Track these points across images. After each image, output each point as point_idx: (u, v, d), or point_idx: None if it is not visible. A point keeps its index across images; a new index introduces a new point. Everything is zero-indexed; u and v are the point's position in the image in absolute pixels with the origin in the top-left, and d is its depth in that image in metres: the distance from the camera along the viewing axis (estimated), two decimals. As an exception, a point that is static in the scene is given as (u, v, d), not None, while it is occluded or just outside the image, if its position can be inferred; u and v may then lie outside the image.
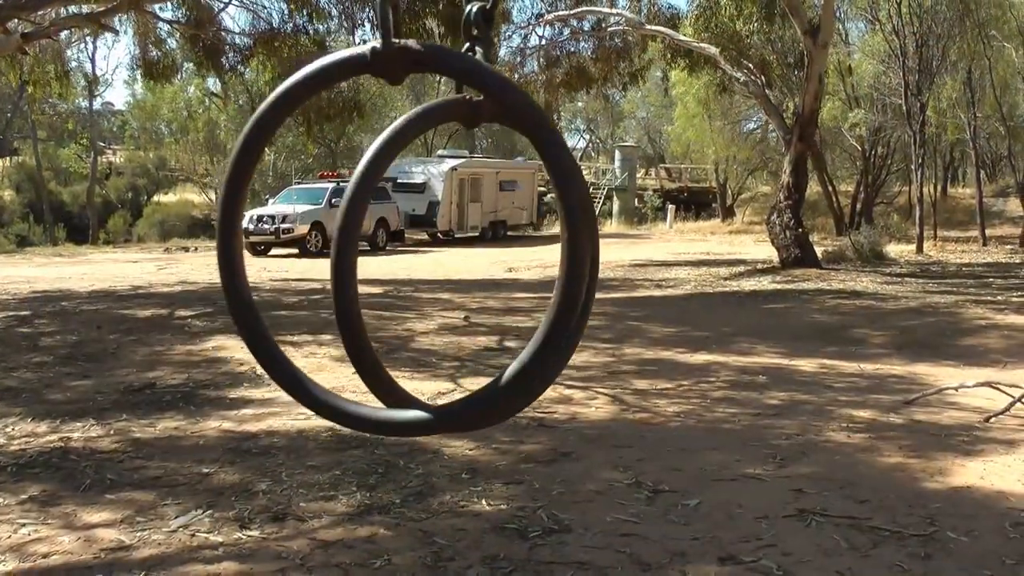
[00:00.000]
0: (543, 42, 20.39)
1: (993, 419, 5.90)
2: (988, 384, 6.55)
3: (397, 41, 1.23)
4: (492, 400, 1.28)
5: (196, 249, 25.16)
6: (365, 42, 1.30)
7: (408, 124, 1.33)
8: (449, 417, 1.36)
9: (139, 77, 19.95)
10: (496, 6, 1.34)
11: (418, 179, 27.40)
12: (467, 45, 1.33)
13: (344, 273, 1.30)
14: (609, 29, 20.11)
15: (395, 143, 1.33)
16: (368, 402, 1.41)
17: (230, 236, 1.34)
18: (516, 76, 20.45)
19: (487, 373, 7.55)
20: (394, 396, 1.38)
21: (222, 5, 16.92)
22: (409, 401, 1.37)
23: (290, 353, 8.35)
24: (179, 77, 24.52)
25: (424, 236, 28.27)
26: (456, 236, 27.69)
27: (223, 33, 16.73)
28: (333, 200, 22.90)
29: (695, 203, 39.87)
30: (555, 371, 1.33)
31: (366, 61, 1.25)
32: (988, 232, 25.33)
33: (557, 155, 1.23)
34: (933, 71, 22.65)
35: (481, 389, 1.30)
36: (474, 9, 1.32)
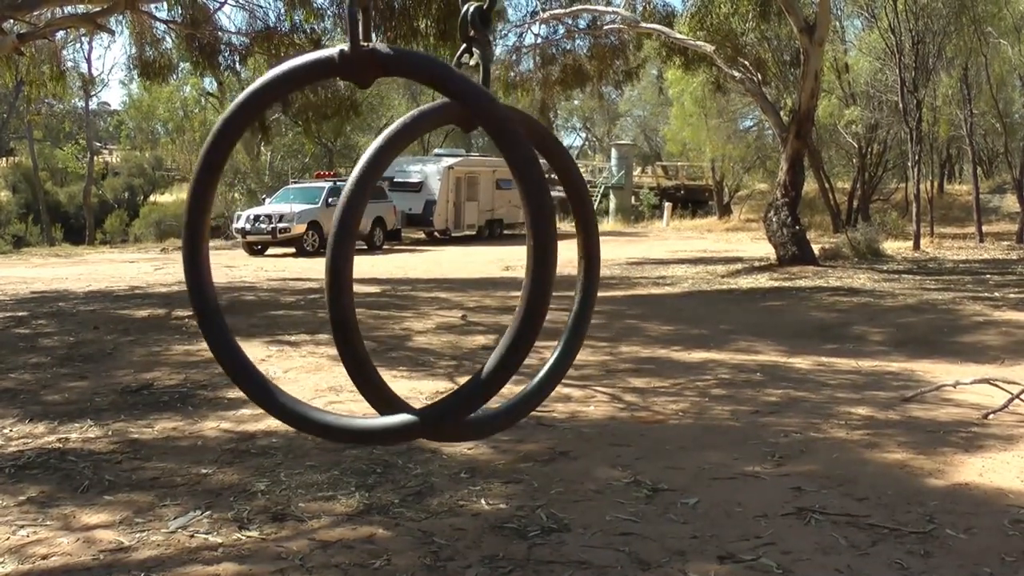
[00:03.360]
0: (539, 40, 20.39)
1: (991, 416, 5.91)
2: (986, 381, 6.56)
3: (365, 44, 1.23)
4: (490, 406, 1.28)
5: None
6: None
7: (404, 127, 1.32)
8: (426, 422, 1.35)
9: (135, 77, 19.95)
10: (493, 6, 1.33)
11: (415, 178, 27.39)
12: (463, 46, 1.32)
13: (341, 281, 1.29)
14: (604, 27, 20.11)
15: (392, 146, 1.32)
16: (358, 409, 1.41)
17: (198, 239, 1.33)
18: (512, 74, 20.46)
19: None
20: (389, 403, 1.37)
21: (218, 4, 16.87)
22: (400, 406, 1.37)
23: (288, 353, 8.38)
24: (175, 77, 24.46)
25: (421, 235, 28.27)
26: (453, 235, 27.68)
27: (219, 32, 16.71)
28: (330, 199, 22.89)
29: (692, 201, 39.87)
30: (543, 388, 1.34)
31: (334, 64, 1.24)
32: (985, 228, 25.35)
33: (520, 166, 1.22)
34: (929, 68, 22.67)
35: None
36: (471, 9, 1.32)
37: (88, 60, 59.65)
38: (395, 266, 18.76)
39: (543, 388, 1.39)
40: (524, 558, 3.71)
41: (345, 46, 1.23)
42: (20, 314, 10.72)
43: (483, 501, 4.38)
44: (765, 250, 18.58)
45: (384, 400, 1.37)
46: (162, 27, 16.75)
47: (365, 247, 24.20)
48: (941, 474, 4.76)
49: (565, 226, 34.45)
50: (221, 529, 4.04)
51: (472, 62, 1.31)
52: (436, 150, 32.55)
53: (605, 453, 5.20)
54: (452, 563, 3.67)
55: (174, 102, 39.22)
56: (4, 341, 9.08)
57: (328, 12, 15.82)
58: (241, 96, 1.29)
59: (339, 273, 1.28)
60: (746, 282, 14.72)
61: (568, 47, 20.42)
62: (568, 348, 1.41)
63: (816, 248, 17.58)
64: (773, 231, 16.80)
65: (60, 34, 19.63)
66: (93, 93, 43.29)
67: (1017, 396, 6.05)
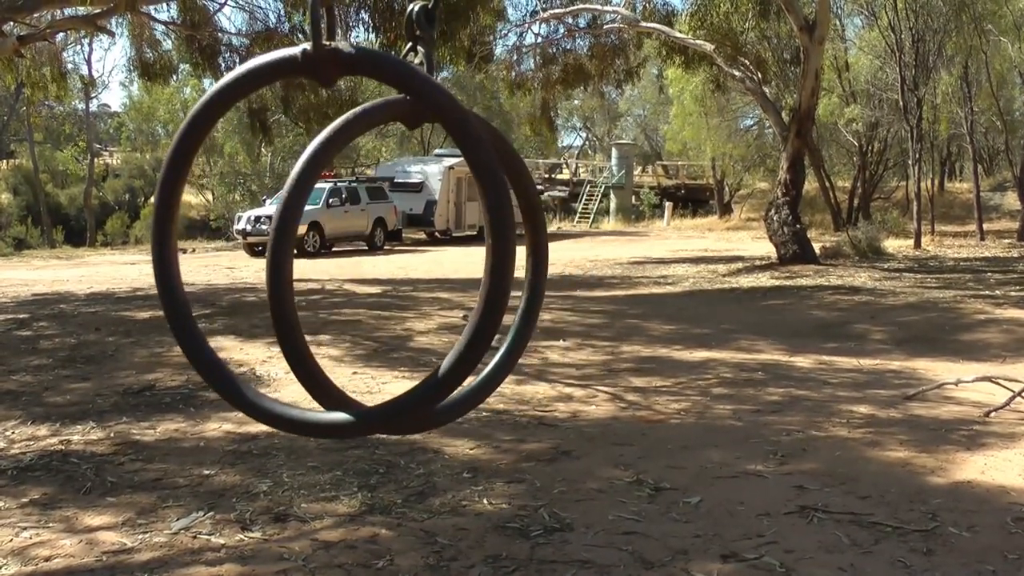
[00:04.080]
0: (539, 40, 20.39)
1: (993, 414, 5.91)
2: (987, 379, 6.55)
3: (328, 44, 1.23)
4: (425, 399, 1.30)
5: (194, 250, 25.15)
6: (360, 43, 1.30)
7: (347, 124, 1.33)
8: (376, 418, 1.37)
9: (135, 79, 19.93)
10: (438, 6, 1.34)
11: (415, 178, 27.39)
12: (409, 45, 1.33)
13: (280, 276, 1.30)
14: (605, 27, 20.11)
15: (333, 143, 1.33)
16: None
17: (166, 235, 1.34)
18: (512, 74, 20.47)
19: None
20: (331, 397, 1.39)
21: (218, 6, 16.88)
22: (344, 402, 1.38)
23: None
24: (175, 78, 24.47)
25: (422, 235, 28.26)
26: (454, 235, 27.68)
27: (219, 34, 16.71)
28: (330, 200, 22.93)
29: (692, 200, 39.87)
30: (490, 382, 1.35)
31: (297, 63, 1.25)
32: (985, 227, 25.34)
33: (480, 166, 1.23)
34: (930, 66, 22.67)
35: (411, 389, 1.32)
36: (416, 8, 1.32)
37: (88, 62, 59.79)
38: (396, 266, 18.76)
39: (486, 387, 1.40)
40: (527, 558, 3.71)
41: (308, 45, 1.24)
42: (21, 316, 10.73)
43: (486, 501, 4.38)
44: (766, 249, 18.58)
45: (332, 397, 1.38)
46: (162, 28, 16.77)
47: (366, 248, 24.23)
48: (943, 472, 4.76)
49: (565, 225, 34.23)
50: (224, 530, 4.04)
51: (417, 60, 1.32)
52: (437, 150, 32.55)
53: (607, 452, 5.20)
54: (455, 563, 3.67)
55: (174, 104, 39.23)
56: (6, 343, 9.08)
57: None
58: (207, 94, 1.31)
59: (280, 269, 1.29)
60: (747, 281, 14.72)
61: (568, 46, 20.43)
62: (513, 347, 1.42)
63: (817, 247, 17.58)
64: (774, 230, 16.80)
65: (60, 36, 19.65)
66: (93, 95, 43.37)
67: (1019, 394, 6.05)
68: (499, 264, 1.24)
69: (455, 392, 1.33)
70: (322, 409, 1.37)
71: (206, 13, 16.29)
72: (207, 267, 18.05)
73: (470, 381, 1.37)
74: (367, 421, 1.36)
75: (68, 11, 14.84)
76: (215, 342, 8.80)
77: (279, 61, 1.26)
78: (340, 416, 1.33)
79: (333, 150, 1.34)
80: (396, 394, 1.39)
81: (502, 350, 1.41)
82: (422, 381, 1.32)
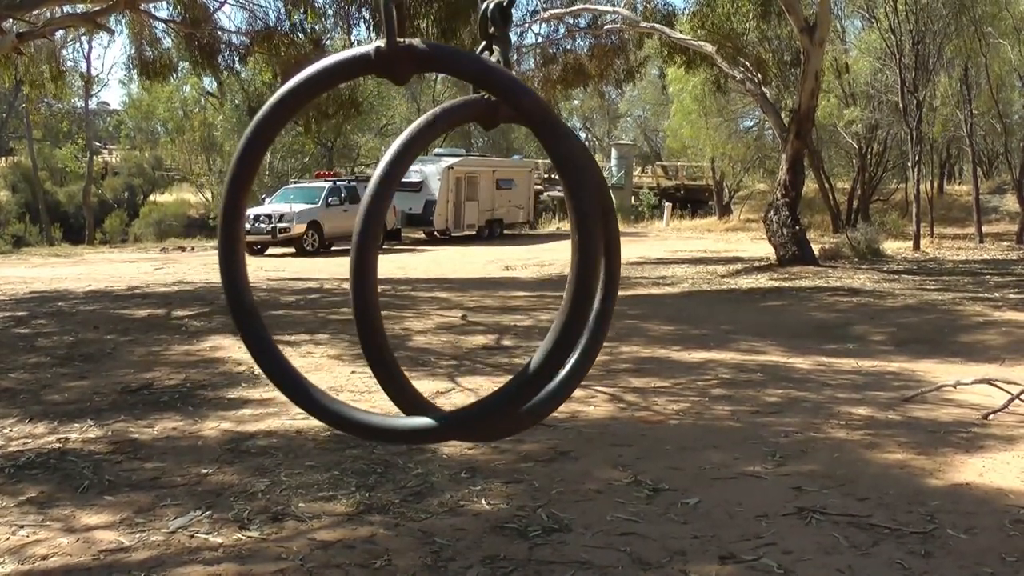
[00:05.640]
0: (539, 39, 20.40)
1: (991, 416, 5.91)
2: (986, 381, 6.55)
3: (402, 41, 1.22)
4: (510, 405, 1.27)
5: (193, 249, 25.12)
6: (360, 42, 1.28)
7: (427, 125, 1.31)
8: (462, 423, 1.34)
9: (135, 77, 19.93)
10: (513, 3, 1.32)
11: (415, 177, 27.35)
12: (483, 43, 1.31)
13: (365, 273, 1.28)
14: (605, 27, 20.12)
15: (415, 144, 1.31)
16: (374, 404, 1.40)
17: (234, 241, 1.32)
18: (513, 73, 20.47)
19: (484, 372, 7.54)
20: (407, 397, 1.36)
21: (218, 4, 16.88)
22: (422, 405, 1.36)
23: (287, 353, 8.35)
24: (175, 76, 24.43)
25: (421, 235, 28.25)
26: (453, 235, 27.67)
27: (219, 32, 16.71)
28: (329, 199, 22.92)
29: (691, 201, 39.87)
30: (574, 377, 1.32)
31: (370, 61, 1.23)
32: (984, 229, 25.35)
33: (569, 156, 1.21)
34: (929, 68, 22.67)
35: (498, 392, 1.28)
36: (491, 6, 1.30)
37: (87, 60, 59.67)
38: (395, 266, 18.75)
39: (565, 386, 1.37)
40: (525, 558, 3.70)
41: (381, 43, 1.22)
42: (20, 314, 10.72)
43: (484, 501, 4.38)
44: (765, 250, 18.58)
45: (410, 401, 1.36)
46: (161, 26, 16.75)
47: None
48: (942, 474, 4.76)
49: (564, 226, 34.28)
50: (221, 529, 4.04)
51: (493, 59, 1.30)
52: (436, 150, 32.52)
53: (606, 453, 5.19)
54: (453, 563, 3.67)
55: (174, 102, 39.22)
56: (4, 341, 9.07)
57: (329, 12, 15.82)
58: (276, 95, 1.28)
59: (364, 264, 1.27)
60: (746, 282, 14.72)
61: (569, 46, 20.44)
62: (588, 348, 1.39)
63: (816, 248, 17.58)
64: (773, 231, 16.80)
65: (59, 33, 19.62)
66: (92, 93, 43.35)
67: (1017, 396, 6.05)
68: (585, 263, 1.21)
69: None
70: (402, 414, 1.35)
71: (206, 11, 16.29)
72: (206, 265, 18.03)
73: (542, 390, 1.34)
74: (452, 425, 1.33)
75: (67, 8, 14.85)
76: (212, 341, 8.81)
77: (352, 60, 1.25)
78: (424, 421, 1.31)
79: (415, 150, 1.32)
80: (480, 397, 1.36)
81: (578, 351, 1.37)
82: (509, 381, 1.29)
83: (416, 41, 1.22)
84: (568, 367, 1.35)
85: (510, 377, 1.28)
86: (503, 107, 1.24)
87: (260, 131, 1.29)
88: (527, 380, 1.25)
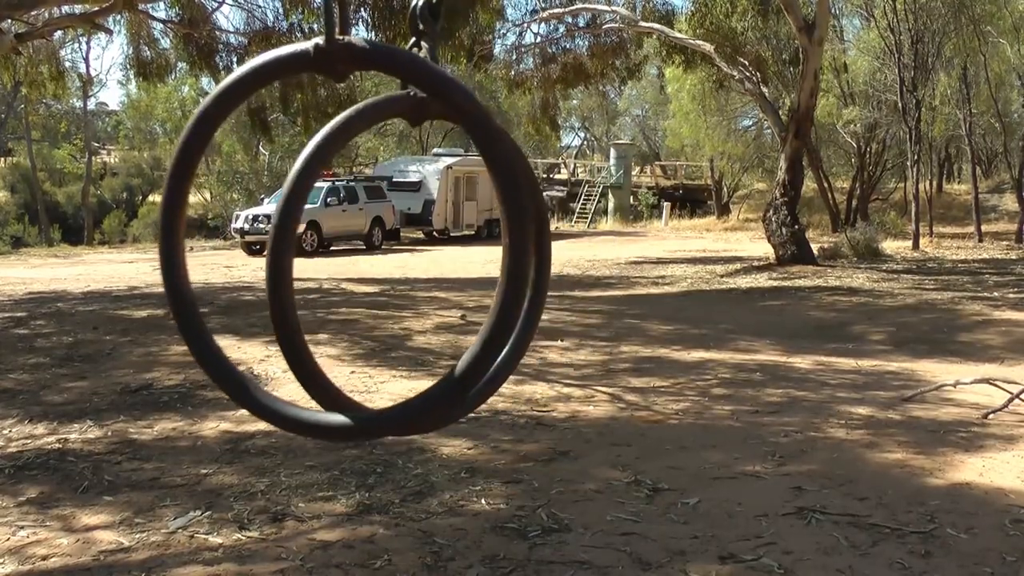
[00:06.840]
0: (539, 39, 20.39)
1: (991, 415, 5.90)
2: (986, 380, 6.55)
3: (341, 38, 1.21)
4: (433, 402, 1.28)
5: (192, 249, 25.10)
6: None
7: (349, 121, 1.30)
8: (378, 422, 1.35)
9: (133, 77, 19.89)
10: (442, 1, 1.32)
11: (413, 178, 27.37)
12: (412, 40, 1.31)
13: (280, 274, 1.27)
14: (604, 26, 20.11)
15: (335, 141, 1.31)
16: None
17: (174, 233, 1.31)
18: (512, 73, 20.47)
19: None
20: (330, 397, 1.36)
21: (216, 4, 16.87)
22: (345, 404, 1.36)
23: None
24: (173, 77, 24.41)
25: (420, 235, 28.25)
26: (452, 235, 27.67)
27: (217, 32, 16.70)
28: (328, 199, 22.93)
29: (690, 200, 39.86)
30: (499, 374, 1.33)
31: (309, 58, 1.23)
32: (984, 228, 25.35)
33: (502, 156, 1.22)
34: (928, 67, 22.67)
35: (423, 392, 1.29)
36: (420, 3, 1.31)
37: (86, 60, 59.59)
38: (394, 266, 18.75)
39: (491, 383, 1.38)
40: (525, 558, 3.70)
41: (321, 39, 1.22)
42: (19, 315, 10.71)
43: (483, 501, 4.37)
44: (764, 250, 18.58)
45: (332, 398, 1.35)
46: (160, 27, 16.74)
47: (364, 247, 24.21)
48: (941, 474, 4.76)
49: (563, 225, 34.23)
50: (221, 529, 4.03)
51: (421, 55, 1.30)
52: (435, 150, 32.55)
53: (605, 453, 5.19)
54: (452, 563, 3.67)
55: (172, 102, 39.20)
56: (3, 342, 9.06)
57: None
58: (215, 90, 1.28)
59: (280, 269, 1.26)
60: (745, 282, 14.72)
61: (568, 46, 20.43)
62: (517, 345, 1.40)
63: (815, 248, 17.58)
64: (772, 231, 16.80)
65: (58, 34, 19.62)
66: (91, 93, 43.31)
67: (1017, 396, 6.05)
68: (516, 262, 1.21)
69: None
70: (322, 410, 1.35)
71: (204, 11, 16.27)
72: (204, 266, 18.03)
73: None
74: (378, 423, 1.34)
75: (66, 9, 14.82)
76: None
77: (290, 56, 1.25)
78: (345, 418, 1.31)
79: (335, 148, 1.32)
80: (395, 394, 1.37)
81: (507, 348, 1.38)
82: (437, 383, 1.30)
83: (355, 39, 1.21)
84: (494, 366, 1.37)
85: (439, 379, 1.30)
86: (431, 104, 1.24)
87: (202, 124, 1.28)
88: (453, 383, 1.26)
